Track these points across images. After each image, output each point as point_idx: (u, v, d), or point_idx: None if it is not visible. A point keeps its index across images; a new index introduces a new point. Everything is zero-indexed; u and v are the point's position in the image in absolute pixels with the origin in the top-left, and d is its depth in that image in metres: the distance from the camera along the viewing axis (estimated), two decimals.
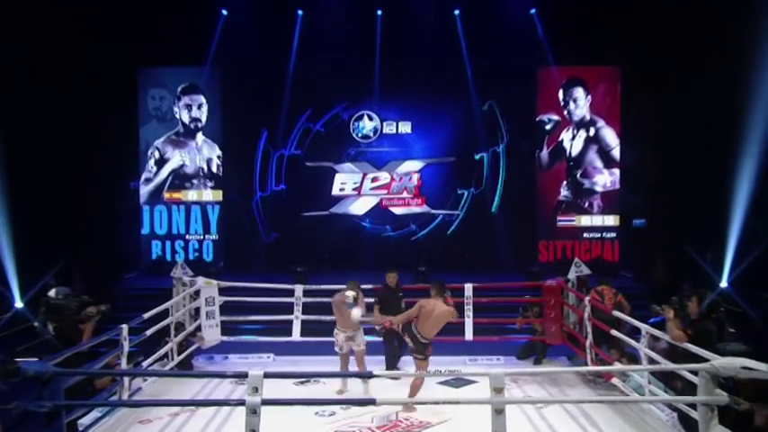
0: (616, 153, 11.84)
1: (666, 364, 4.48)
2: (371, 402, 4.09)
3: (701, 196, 9.59)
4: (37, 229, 8.94)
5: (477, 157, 12.24)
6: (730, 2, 9.02)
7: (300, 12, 11.54)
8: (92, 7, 9.59)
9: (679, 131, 10.40)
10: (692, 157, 9.98)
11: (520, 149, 11.83)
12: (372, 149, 12.34)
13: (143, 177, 12.11)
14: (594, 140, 11.81)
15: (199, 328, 6.63)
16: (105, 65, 10.25)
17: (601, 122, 11.90)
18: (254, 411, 3.63)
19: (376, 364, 5.57)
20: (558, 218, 11.98)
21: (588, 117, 11.87)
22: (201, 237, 12.12)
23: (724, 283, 9.12)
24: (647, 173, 11.33)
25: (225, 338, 6.87)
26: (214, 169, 12.25)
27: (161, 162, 12.16)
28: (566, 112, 11.87)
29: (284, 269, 10.74)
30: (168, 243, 12.08)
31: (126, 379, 4.87)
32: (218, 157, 12.20)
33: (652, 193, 11.25)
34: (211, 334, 6.68)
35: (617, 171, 11.76)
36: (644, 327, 4.98)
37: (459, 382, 5.93)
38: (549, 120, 11.90)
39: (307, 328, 7.02)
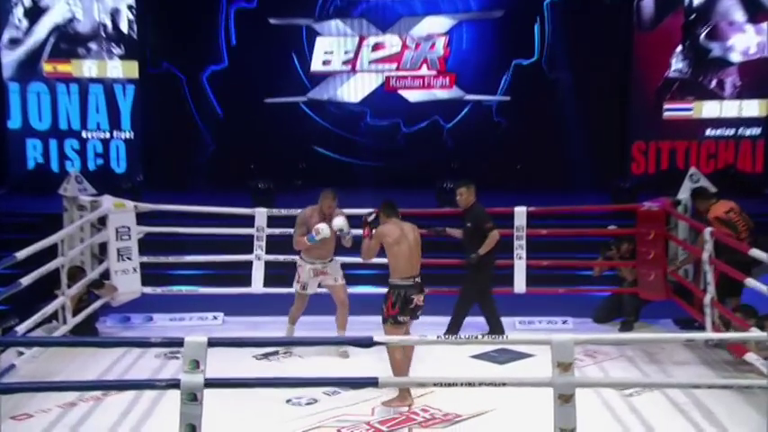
0: None
1: None
2: (371, 383, 4.06)
3: None
4: None
5: (538, 11, 11.86)
6: None
7: None
8: None
9: None
10: None
11: None
12: None
13: (5, 38, 11.54)
14: None
15: (106, 275, 6.62)
16: None
17: None
18: (192, 397, 3.68)
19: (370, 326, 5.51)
20: (666, 106, 11.72)
21: None
22: (107, 135, 11.84)
23: None
24: None
25: (148, 290, 6.90)
26: (123, 27, 11.71)
27: (34, 13, 11.52)
28: None
29: (239, 186, 10.78)
30: (53, 144, 11.82)
31: None
32: (131, 7, 11.64)
33: None
34: (126, 283, 6.69)
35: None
36: None
37: (504, 355, 6.00)
38: None
39: (274, 275, 7.07)
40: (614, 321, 6.95)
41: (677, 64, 11.66)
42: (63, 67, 11.72)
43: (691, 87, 11.67)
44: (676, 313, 6.79)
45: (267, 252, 7.00)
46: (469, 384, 3.99)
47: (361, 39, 12.20)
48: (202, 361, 3.73)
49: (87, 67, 11.73)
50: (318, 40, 12.17)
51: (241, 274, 7.20)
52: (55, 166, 11.80)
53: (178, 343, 3.82)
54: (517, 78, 12.06)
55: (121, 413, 4.84)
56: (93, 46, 11.74)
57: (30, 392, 4.85)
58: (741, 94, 11.65)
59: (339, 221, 5.80)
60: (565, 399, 3.75)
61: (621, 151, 11.84)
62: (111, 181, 10.49)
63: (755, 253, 5.34)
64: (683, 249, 6.70)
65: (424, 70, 12.26)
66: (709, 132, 11.73)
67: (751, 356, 5.14)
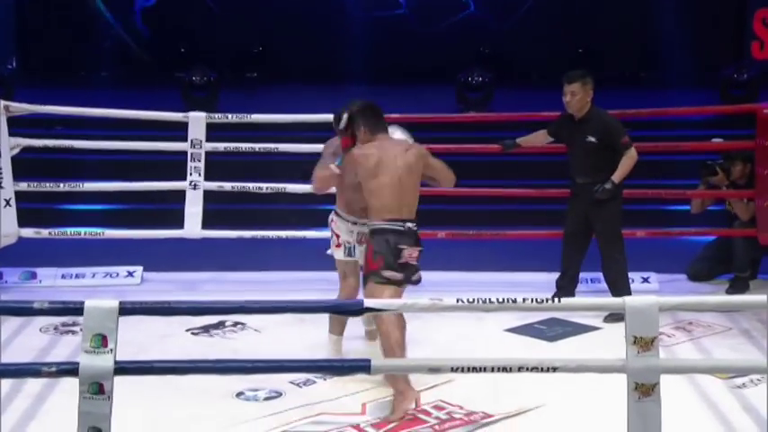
0: None
1: None
2: (361, 368, 4.11)
3: None
4: None
5: None
6: None
7: None
8: None
9: None
10: None
11: None
12: None
13: None
14: None
15: None
16: None
17: None
18: (97, 389, 3.70)
19: None
20: None
21: None
22: None
23: None
24: None
25: (28, 233, 6.94)
26: None
27: None
28: None
29: (164, 80, 10.93)
30: None
31: None
32: None
33: None
34: None
35: None
36: None
37: (555, 328, 6.10)
38: None
39: (217, 212, 7.20)
40: (720, 279, 7.05)
41: None
42: None
43: None
44: None
45: (207, 178, 7.03)
46: (504, 369, 4.00)
47: None
48: (111, 336, 3.72)
49: None
50: None
51: (168, 209, 7.27)
52: None
53: (75, 310, 3.82)
54: None
55: None
56: None
57: None
58: None
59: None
60: (644, 390, 3.75)
61: (737, 24, 11.76)
62: None
63: None
64: None
65: None
66: None
67: None
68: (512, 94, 10.19)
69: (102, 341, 3.73)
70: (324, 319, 5.54)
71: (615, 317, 5.95)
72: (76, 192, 7.43)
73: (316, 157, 7.66)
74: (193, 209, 6.98)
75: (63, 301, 4.03)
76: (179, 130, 7.07)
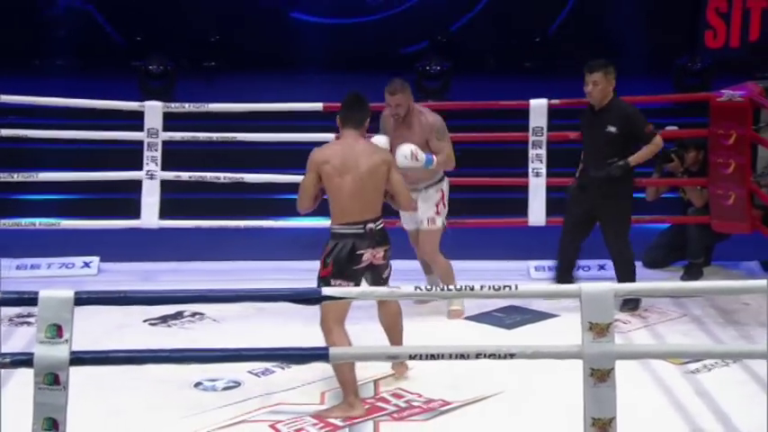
0: None
1: None
2: (319, 356, 4.10)
3: None
4: None
5: None
6: None
7: None
8: None
9: None
10: None
11: None
12: None
13: None
14: None
15: None
16: None
17: None
18: (53, 379, 3.69)
19: None
20: None
21: None
22: None
23: None
24: None
25: None
26: None
27: None
28: None
29: (120, 68, 10.74)
30: None
31: None
32: None
33: None
34: None
35: None
36: None
37: (514, 315, 6.11)
38: None
39: (174, 202, 7.12)
40: (675, 265, 7.09)
41: None
42: None
43: None
44: (765, 252, 6.93)
45: (165, 167, 6.99)
46: (462, 357, 4.01)
47: None
48: (67, 326, 3.71)
49: None
50: None
51: (125, 199, 7.23)
52: None
53: (29, 300, 3.79)
54: None
55: None
56: None
57: None
58: None
59: (401, 161, 5.46)
60: (599, 376, 3.76)
61: (690, 14, 11.85)
62: None
63: None
64: None
65: None
66: None
67: None
68: (469, 83, 10.21)
69: (57, 331, 3.72)
70: (283, 309, 5.52)
71: (630, 305, 6.13)
72: (31, 182, 7.34)
73: (274, 146, 7.72)
74: (150, 198, 6.93)
75: (17, 291, 3.99)
76: (135, 120, 7.02)
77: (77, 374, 3.76)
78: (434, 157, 5.73)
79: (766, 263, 6.95)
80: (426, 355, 4.15)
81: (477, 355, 4.00)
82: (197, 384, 5.04)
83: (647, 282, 6.25)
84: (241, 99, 7.46)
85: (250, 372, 5.17)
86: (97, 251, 7.05)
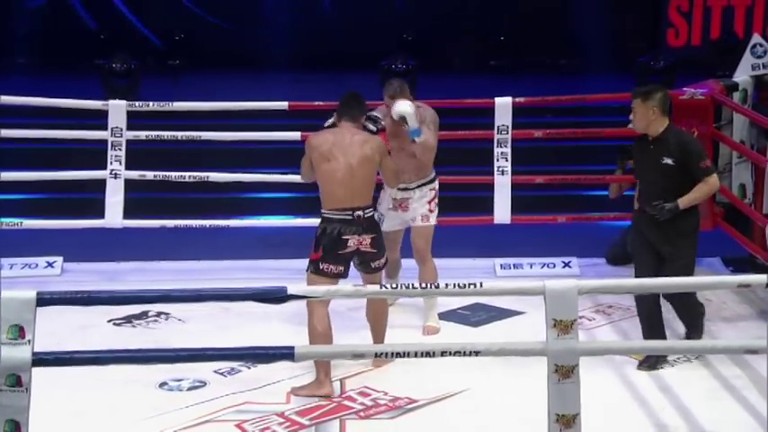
0: None
1: None
2: (285, 356, 4.11)
3: None
4: None
5: None
6: None
7: None
8: None
9: None
10: None
11: None
12: None
13: None
14: None
15: None
16: None
17: None
18: (14, 381, 3.66)
19: None
20: None
21: None
22: None
23: None
24: None
25: None
26: None
27: None
28: None
29: (83, 67, 10.70)
30: None
31: None
32: None
33: None
34: None
35: None
36: None
37: (479, 313, 6.12)
38: None
39: (139, 201, 7.09)
40: None
41: None
42: None
43: None
44: (726, 249, 6.97)
45: (129, 166, 6.95)
46: (428, 354, 4.02)
47: None
48: (29, 327, 3.68)
49: None
50: None
51: (89, 199, 7.18)
52: None
53: None
54: None
55: None
56: None
57: None
58: None
59: (401, 106, 5.50)
60: (564, 372, 3.78)
61: (653, 12, 11.94)
62: None
63: None
64: (740, 155, 6.79)
65: None
66: None
67: None
68: (435, 82, 10.23)
69: (19, 332, 3.69)
70: (249, 308, 5.52)
71: (649, 364, 5.36)
72: None
73: (240, 145, 7.69)
74: (114, 198, 6.88)
75: None
76: (100, 119, 6.97)
77: (40, 376, 3.73)
78: (423, 132, 5.60)
79: (728, 259, 7.00)
80: (392, 353, 4.17)
81: (443, 353, 4.02)
82: (162, 384, 5.03)
83: (611, 279, 6.29)
84: (206, 98, 7.43)
85: (216, 371, 5.15)
86: (61, 251, 7.00)
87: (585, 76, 10.65)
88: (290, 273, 5.61)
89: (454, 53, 12.26)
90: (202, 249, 7.17)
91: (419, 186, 5.84)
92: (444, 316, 6.04)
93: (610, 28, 11.80)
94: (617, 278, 6.43)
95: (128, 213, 6.90)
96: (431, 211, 5.88)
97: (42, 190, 8.06)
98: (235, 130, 7.32)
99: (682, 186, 5.27)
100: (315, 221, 5.37)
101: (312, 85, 9.01)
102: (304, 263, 5.53)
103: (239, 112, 7.41)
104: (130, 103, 7.05)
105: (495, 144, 6.89)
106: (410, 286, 4.27)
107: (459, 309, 6.13)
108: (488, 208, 6.96)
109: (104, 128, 6.90)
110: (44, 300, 3.74)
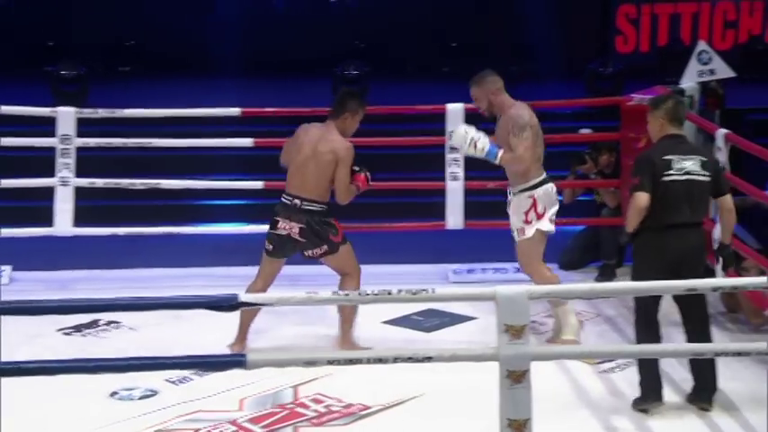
0: None
1: None
2: (236, 363, 4.08)
3: None
4: None
5: None
6: None
7: None
8: None
9: None
10: None
11: None
12: None
13: None
14: None
15: None
16: None
17: None
18: None
19: None
20: None
21: None
22: None
23: None
24: None
25: None
26: None
27: None
28: None
29: (31, 73, 10.65)
30: None
31: None
32: None
33: None
34: None
35: None
36: None
37: (432, 318, 6.15)
38: None
39: (89, 209, 7.10)
40: (589, 266, 7.19)
41: None
42: None
43: None
44: None
45: (79, 174, 6.92)
46: (380, 361, 4.02)
47: None
48: None
49: None
50: None
51: (38, 206, 7.13)
52: None
53: None
54: None
55: None
56: None
57: None
58: None
59: (452, 138, 5.69)
60: (515, 377, 3.78)
61: (601, 20, 12.06)
62: None
63: None
64: None
65: None
66: None
67: None
68: (387, 88, 10.24)
69: None
70: (200, 316, 5.46)
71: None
72: None
73: (191, 151, 7.65)
74: (64, 205, 6.85)
75: None
76: (48, 125, 6.91)
77: None
78: (500, 151, 5.46)
79: None
80: (344, 360, 4.16)
81: (396, 359, 4.00)
82: (113, 394, 5.00)
83: (563, 284, 6.33)
84: (156, 104, 7.38)
85: (167, 380, 5.13)
86: (9, 260, 6.95)
87: (536, 83, 10.72)
88: (242, 280, 5.57)
89: (407, 59, 12.29)
90: (154, 257, 7.12)
91: (517, 193, 5.65)
92: (398, 322, 6.06)
93: (559, 35, 11.88)
94: (567, 283, 6.50)
95: (78, 221, 6.87)
96: (527, 222, 5.59)
97: None
98: (186, 136, 7.28)
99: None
100: (266, 228, 5.41)
101: (265, 91, 8.98)
102: (255, 270, 5.54)
103: (191, 119, 7.37)
104: (79, 110, 7.02)
105: (447, 150, 6.92)
106: (363, 293, 4.26)
107: (412, 314, 6.16)
108: (441, 213, 6.99)
109: (53, 135, 6.87)
110: None
